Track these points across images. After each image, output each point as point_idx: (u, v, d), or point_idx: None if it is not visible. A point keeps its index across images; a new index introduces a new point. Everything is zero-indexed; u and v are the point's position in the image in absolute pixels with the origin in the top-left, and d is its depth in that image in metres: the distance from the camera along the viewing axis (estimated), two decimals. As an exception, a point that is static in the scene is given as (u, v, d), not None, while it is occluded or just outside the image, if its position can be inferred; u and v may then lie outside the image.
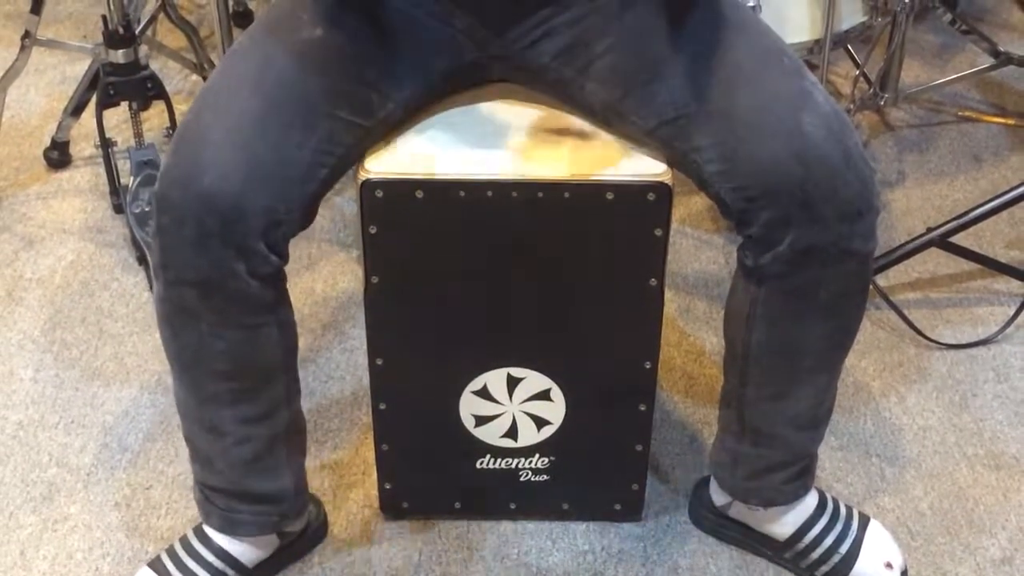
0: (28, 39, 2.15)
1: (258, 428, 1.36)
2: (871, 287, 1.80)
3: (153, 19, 2.31)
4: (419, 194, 1.29)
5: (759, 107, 1.22)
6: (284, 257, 1.27)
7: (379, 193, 1.29)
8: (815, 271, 1.24)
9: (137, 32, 2.00)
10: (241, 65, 1.29)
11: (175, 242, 1.22)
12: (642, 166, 1.30)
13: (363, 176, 1.30)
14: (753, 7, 1.76)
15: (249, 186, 1.20)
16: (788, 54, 1.28)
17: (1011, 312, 1.86)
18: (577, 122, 1.37)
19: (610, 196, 1.29)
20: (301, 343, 1.68)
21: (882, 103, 2.22)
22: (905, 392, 1.77)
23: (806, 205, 1.20)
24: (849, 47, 2.27)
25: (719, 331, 1.72)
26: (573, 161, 1.31)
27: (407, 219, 1.31)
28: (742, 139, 1.21)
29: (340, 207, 2.11)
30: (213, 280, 1.23)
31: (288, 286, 1.32)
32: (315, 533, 1.53)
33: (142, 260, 1.97)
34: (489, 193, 1.29)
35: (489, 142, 1.34)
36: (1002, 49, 2.24)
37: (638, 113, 1.29)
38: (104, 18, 1.93)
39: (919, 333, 1.84)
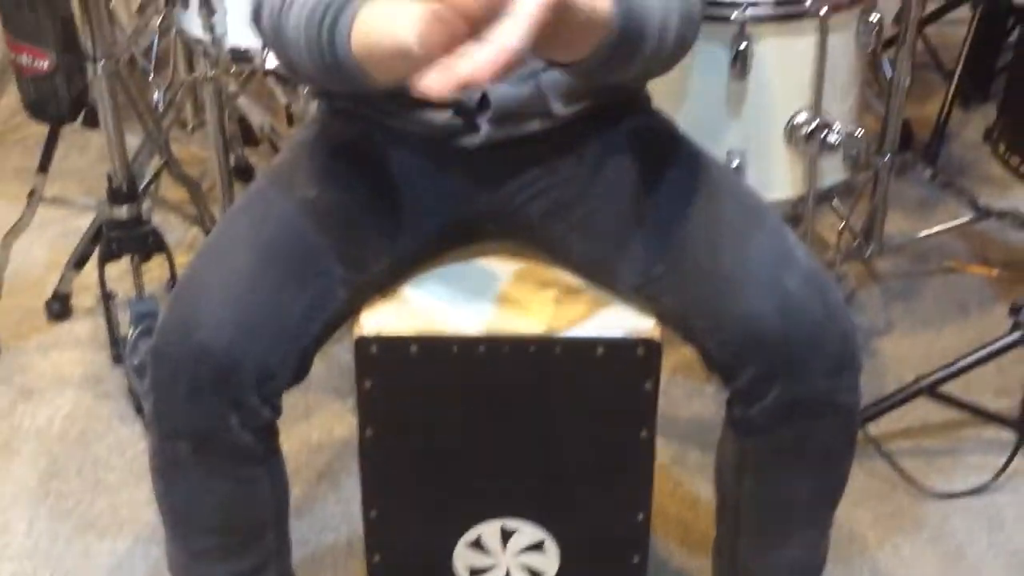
0: (34, 196, 2.20)
1: (249, 584, 1.35)
2: (863, 436, 1.83)
3: (156, 175, 2.37)
4: (413, 349, 1.32)
5: (742, 265, 1.26)
6: (277, 410, 1.29)
7: (374, 349, 1.32)
8: (801, 425, 1.26)
9: (140, 189, 2.05)
10: (239, 222, 1.34)
11: (169, 395, 1.24)
12: (631, 321, 1.34)
13: (358, 332, 1.33)
14: (736, 166, 1.83)
15: (242, 339, 1.22)
16: (769, 213, 1.32)
17: (1002, 461, 1.87)
18: (567, 278, 1.40)
19: (600, 351, 1.32)
20: (296, 492, 1.68)
21: (868, 254, 2.26)
22: (900, 542, 1.77)
23: (790, 360, 1.23)
24: (834, 200, 2.32)
25: (713, 479, 1.73)
26: (564, 316, 1.34)
27: (402, 373, 1.34)
28: (726, 296, 1.25)
29: (336, 356, 2.13)
30: (206, 432, 1.25)
31: (284, 435, 1.34)
32: None
33: (140, 411, 1.98)
34: (482, 348, 1.32)
35: (482, 297, 1.37)
36: (982, 203, 2.30)
37: (625, 270, 1.32)
38: (109, 176, 1.98)
39: (912, 482, 1.85)
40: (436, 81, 0.95)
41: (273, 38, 1.22)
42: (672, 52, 1.21)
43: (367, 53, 1.11)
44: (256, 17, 1.24)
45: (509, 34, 0.95)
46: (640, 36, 1.14)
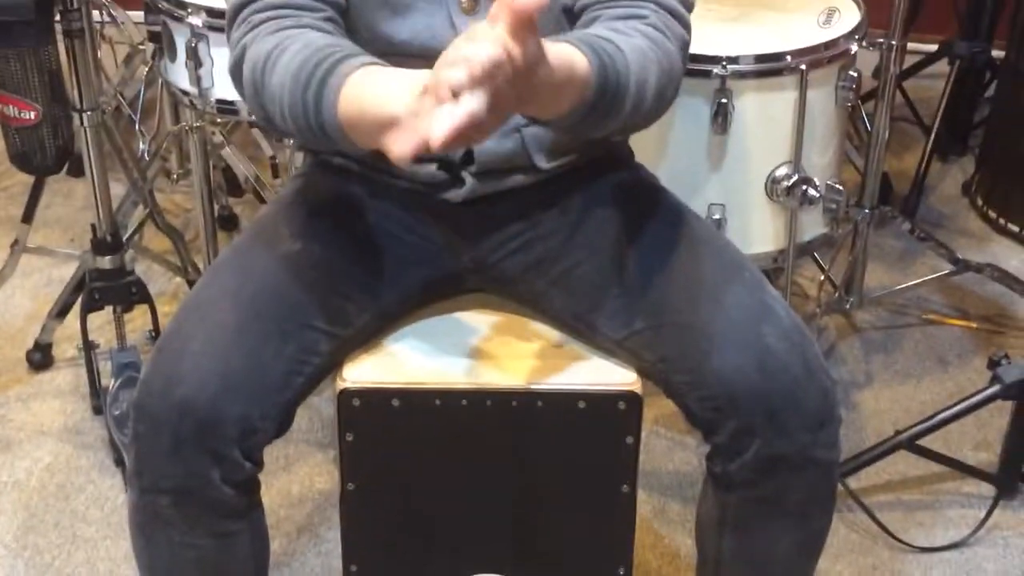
0: (17, 246, 2.21)
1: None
2: (843, 489, 1.83)
3: (140, 226, 2.38)
4: (395, 403, 1.32)
5: (722, 320, 1.27)
6: (259, 464, 1.29)
7: (356, 402, 1.32)
8: (782, 479, 1.27)
9: (124, 239, 2.06)
10: (223, 277, 1.34)
11: (151, 450, 1.24)
12: (612, 375, 1.34)
13: (340, 385, 1.33)
14: (717, 220, 1.84)
15: (224, 394, 1.23)
16: (749, 268, 1.34)
17: (982, 515, 1.88)
18: (549, 331, 1.41)
19: (582, 405, 1.32)
20: (276, 546, 1.68)
21: (848, 306, 2.28)
22: (881, 596, 1.77)
23: (769, 415, 1.23)
24: (814, 253, 2.34)
25: (693, 533, 1.73)
26: (545, 370, 1.35)
27: (384, 427, 1.34)
28: (706, 351, 1.25)
29: (318, 407, 2.12)
30: (187, 487, 1.24)
31: (264, 487, 1.34)
32: None
33: (119, 462, 1.97)
34: (464, 402, 1.32)
35: (464, 351, 1.38)
36: (960, 256, 2.32)
37: (606, 324, 1.33)
38: (93, 226, 1.99)
39: (892, 536, 1.86)
40: (402, 141, 0.98)
41: (253, 92, 1.22)
42: (652, 108, 1.22)
43: (354, 120, 1.11)
44: (236, 69, 1.25)
45: (470, 97, 0.95)
46: (617, 94, 1.16)
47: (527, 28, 0.96)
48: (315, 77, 1.14)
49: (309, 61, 1.15)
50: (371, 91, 1.09)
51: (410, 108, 1.01)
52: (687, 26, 1.29)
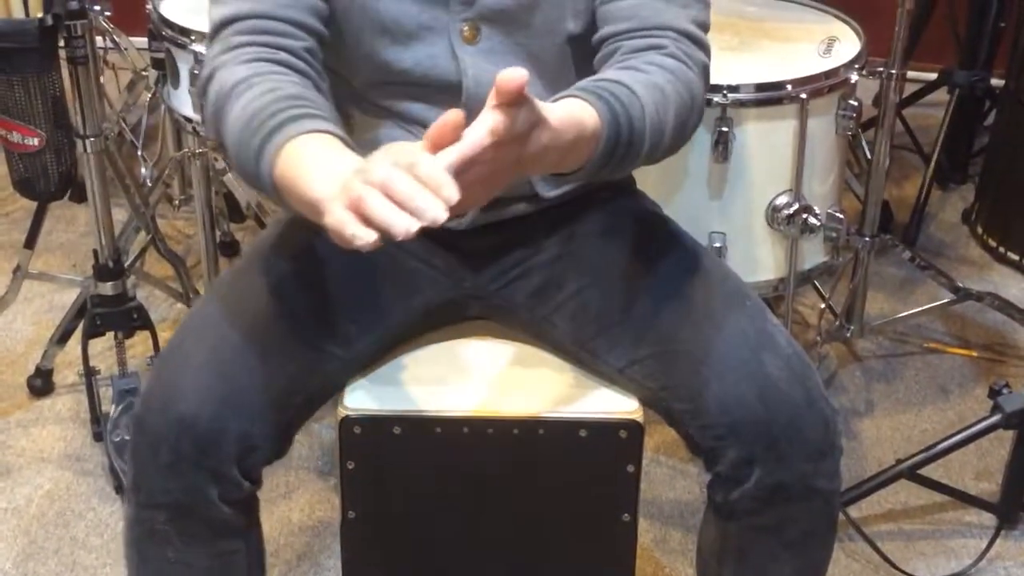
0: (19, 272, 2.21)
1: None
2: (844, 519, 1.82)
3: (142, 252, 2.38)
4: (397, 430, 1.32)
5: (724, 349, 1.27)
6: (257, 483, 1.28)
7: (357, 429, 1.32)
8: (783, 509, 1.27)
9: (126, 265, 2.06)
10: (225, 294, 1.34)
11: (149, 465, 1.24)
12: (614, 403, 1.34)
13: (341, 412, 1.33)
14: (718, 248, 1.85)
15: (225, 411, 1.23)
16: (751, 297, 1.34)
17: (983, 545, 1.87)
18: (550, 359, 1.41)
19: (583, 433, 1.32)
20: (275, 574, 1.67)
21: (848, 335, 2.28)
22: (882, 625, 1.76)
23: (770, 445, 1.23)
24: (815, 281, 2.35)
25: (695, 562, 1.72)
26: (547, 398, 1.35)
27: (385, 454, 1.34)
28: (707, 380, 1.25)
29: (319, 434, 2.12)
30: (184, 504, 1.24)
31: (264, 515, 1.34)
32: None
33: (120, 489, 1.97)
34: (465, 429, 1.32)
35: (466, 378, 1.38)
36: (960, 284, 2.32)
37: (608, 352, 1.33)
38: (95, 252, 1.99)
39: (893, 566, 1.85)
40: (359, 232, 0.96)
41: (213, 115, 1.20)
42: (672, 141, 1.23)
43: (286, 184, 1.10)
44: (204, 86, 1.22)
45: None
46: (632, 140, 1.16)
47: (514, 103, 0.96)
48: (264, 127, 1.11)
49: (266, 109, 1.13)
50: (308, 165, 1.07)
51: (334, 197, 0.98)
52: (706, 49, 1.29)
